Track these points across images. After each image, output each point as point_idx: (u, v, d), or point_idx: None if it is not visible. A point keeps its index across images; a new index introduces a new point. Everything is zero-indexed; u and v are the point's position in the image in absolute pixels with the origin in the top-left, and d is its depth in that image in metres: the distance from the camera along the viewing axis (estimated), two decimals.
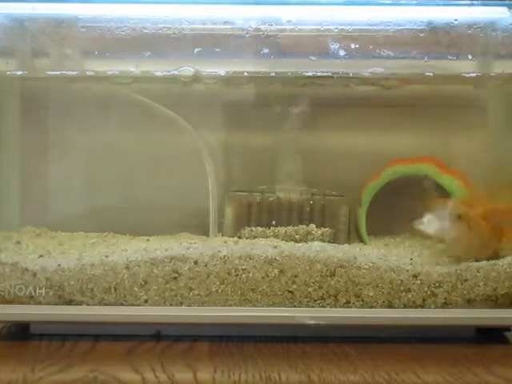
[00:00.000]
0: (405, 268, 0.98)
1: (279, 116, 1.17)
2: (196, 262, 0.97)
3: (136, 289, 0.97)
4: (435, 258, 1.01)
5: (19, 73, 1.17)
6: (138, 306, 0.97)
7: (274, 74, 1.13)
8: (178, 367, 0.87)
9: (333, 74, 1.12)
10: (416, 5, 1.10)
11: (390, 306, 0.97)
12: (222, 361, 0.89)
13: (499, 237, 1.04)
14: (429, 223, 1.00)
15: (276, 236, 1.11)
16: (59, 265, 0.98)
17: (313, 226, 1.12)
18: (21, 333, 1.00)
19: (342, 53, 1.12)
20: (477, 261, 0.99)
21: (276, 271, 0.97)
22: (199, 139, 1.16)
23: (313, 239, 1.10)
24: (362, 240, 1.16)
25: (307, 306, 0.97)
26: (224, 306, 0.97)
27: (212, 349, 0.94)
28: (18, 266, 0.98)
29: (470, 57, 1.15)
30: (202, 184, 1.15)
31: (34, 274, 0.97)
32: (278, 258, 0.97)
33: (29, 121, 1.20)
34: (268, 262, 0.97)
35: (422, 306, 0.97)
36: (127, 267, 0.97)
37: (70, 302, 0.97)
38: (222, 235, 1.14)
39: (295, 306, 0.97)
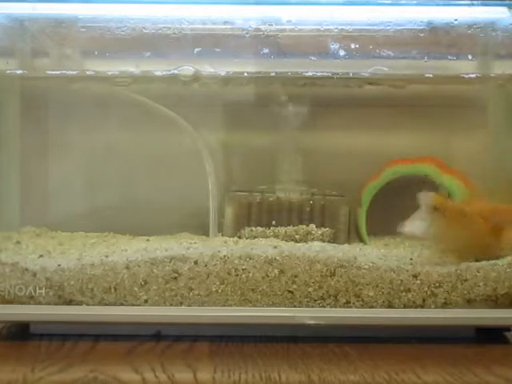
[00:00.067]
0: (405, 268, 0.98)
1: (279, 116, 1.17)
2: (196, 262, 0.97)
3: (136, 289, 0.97)
4: (435, 258, 1.01)
5: (19, 72, 1.17)
6: (138, 305, 0.97)
7: (273, 74, 1.13)
8: (177, 367, 0.87)
9: (333, 74, 1.12)
10: (416, 5, 1.10)
11: (390, 305, 0.97)
12: (222, 361, 0.89)
13: (499, 236, 1.04)
14: (411, 225, 1.00)
15: (276, 236, 1.11)
16: (59, 265, 0.98)
17: (313, 225, 1.12)
18: (21, 333, 1.00)
19: (341, 53, 1.12)
20: (477, 260, 0.99)
21: (276, 271, 0.97)
22: (199, 139, 1.16)
23: (313, 239, 1.10)
24: (361, 240, 1.16)
25: (307, 306, 0.97)
26: (224, 306, 0.97)
27: (212, 349, 0.94)
28: (18, 266, 0.98)
29: (469, 57, 1.15)
30: (202, 184, 1.15)
31: (34, 274, 0.97)
32: (277, 258, 0.97)
33: (29, 120, 1.20)
34: (268, 262, 0.97)
35: (422, 306, 0.97)
36: (127, 267, 0.97)
37: (69, 302, 0.97)
38: (222, 235, 1.14)
39: (295, 306, 0.97)
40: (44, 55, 1.16)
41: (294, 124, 1.17)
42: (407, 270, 0.98)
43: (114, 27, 1.11)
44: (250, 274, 0.97)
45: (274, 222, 1.13)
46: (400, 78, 1.14)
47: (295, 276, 0.97)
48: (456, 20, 1.11)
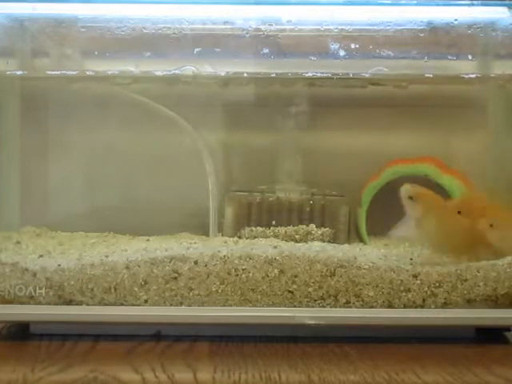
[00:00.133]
0: (405, 268, 0.98)
1: (279, 116, 1.17)
2: (196, 262, 0.97)
3: (136, 289, 0.97)
4: (435, 258, 1.01)
5: (19, 73, 1.17)
6: (138, 306, 0.97)
7: (273, 74, 1.13)
8: (178, 367, 0.87)
9: (332, 74, 1.12)
10: (416, 5, 1.10)
11: (390, 306, 0.97)
12: (222, 361, 0.89)
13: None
14: (400, 227, 1.01)
15: (276, 236, 1.11)
16: (59, 265, 0.98)
17: (313, 225, 1.12)
18: (21, 333, 1.00)
19: (341, 53, 1.12)
20: (476, 258, 0.99)
21: (276, 271, 0.97)
22: (199, 139, 1.16)
23: (313, 239, 1.11)
24: (361, 240, 1.16)
25: (307, 306, 0.97)
26: (224, 306, 0.97)
27: (212, 349, 0.93)
28: (18, 266, 0.98)
29: (469, 57, 1.15)
30: (202, 184, 1.15)
31: (34, 274, 0.97)
32: (278, 258, 0.97)
33: (29, 121, 1.20)
34: (268, 262, 0.97)
35: (422, 306, 0.97)
36: (127, 267, 0.97)
37: (70, 302, 0.97)
38: (222, 235, 1.14)
39: (295, 306, 0.97)
40: (44, 55, 1.16)
41: (294, 124, 1.17)
42: (407, 270, 0.98)
43: (113, 27, 1.11)
44: (250, 274, 0.97)
45: (274, 222, 1.13)
46: (400, 78, 1.14)
47: (295, 276, 0.97)
48: (456, 20, 1.11)
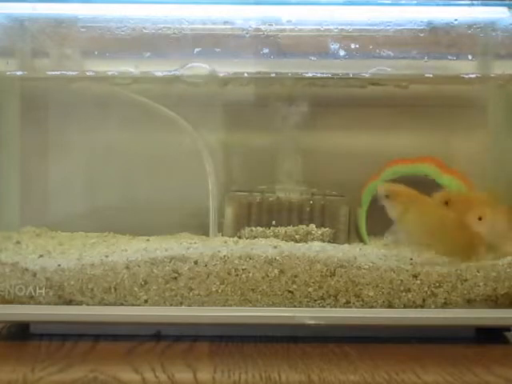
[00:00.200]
0: (405, 268, 0.98)
1: (279, 116, 1.17)
2: (196, 262, 0.97)
3: (136, 289, 0.97)
4: (435, 258, 1.01)
5: (19, 73, 1.17)
6: (138, 306, 0.97)
7: (273, 74, 1.13)
8: (178, 367, 0.87)
9: (332, 74, 1.12)
10: (416, 5, 1.10)
11: (390, 306, 0.97)
12: (222, 361, 0.89)
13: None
14: (392, 231, 1.01)
15: (276, 236, 1.11)
16: (59, 265, 0.98)
17: (313, 225, 1.12)
18: (21, 333, 1.00)
19: (341, 53, 1.12)
20: (469, 253, 0.99)
21: (276, 271, 0.97)
22: (199, 139, 1.16)
23: (313, 239, 1.11)
24: (361, 240, 1.16)
25: (307, 306, 0.97)
26: (224, 306, 0.97)
27: (212, 349, 0.93)
28: (18, 266, 0.98)
29: (469, 57, 1.15)
30: (202, 184, 1.15)
31: (34, 274, 0.97)
32: (278, 258, 0.97)
33: (29, 121, 1.20)
34: (268, 262, 0.97)
35: (422, 306, 0.97)
36: (127, 267, 0.97)
37: (70, 302, 0.97)
38: (222, 235, 1.14)
39: (295, 306, 0.97)
40: (44, 55, 1.16)
41: (294, 124, 1.17)
42: (407, 270, 0.98)
43: (113, 27, 1.11)
44: (250, 274, 0.97)
45: (274, 222, 1.13)
46: (400, 78, 1.14)
47: (295, 276, 0.97)
48: (456, 20, 1.11)
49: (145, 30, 1.11)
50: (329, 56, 1.13)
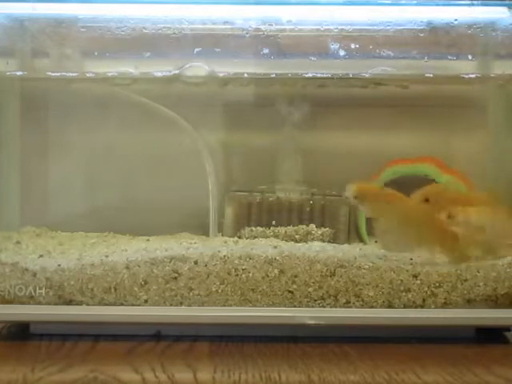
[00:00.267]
0: (405, 268, 0.98)
1: (279, 116, 1.17)
2: (196, 262, 0.97)
3: (136, 289, 0.97)
4: (435, 258, 1.01)
5: (19, 73, 1.17)
6: (138, 306, 0.97)
7: (273, 74, 1.13)
8: (178, 367, 0.87)
9: (332, 74, 1.12)
10: (416, 5, 1.10)
11: (390, 306, 0.97)
12: (222, 361, 0.89)
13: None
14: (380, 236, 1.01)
15: (276, 236, 1.11)
16: (59, 265, 0.98)
17: (313, 225, 1.12)
18: (21, 333, 1.00)
19: (341, 53, 1.12)
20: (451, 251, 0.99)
21: (276, 271, 0.97)
22: (199, 139, 1.16)
23: (313, 239, 1.11)
24: (361, 240, 1.16)
25: (307, 306, 0.97)
26: (224, 306, 0.97)
27: (212, 349, 0.93)
28: (18, 266, 0.98)
29: (469, 57, 1.15)
30: (202, 184, 1.15)
31: (34, 274, 0.97)
32: (278, 258, 0.97)
33: (29, 121, 1.20)
34: (268, 262, 0.97)
35: (422, 306, 0.97)
36: (127, 267, 0.97)
37: (70, 302, 0.97)
38: (222, 235, 1.14)
39: (295, 306, 0.97)
40: (44, 55, 1.16)
41: (294, 124, 1.17)
42: (407, 270, 0.98)
43: (113, 27, 1.11)
44: (250, 274, 0.97)
45: (274, 222, 1.13)
46: (400, 78, 1.14)
47: (295, 276, 0.97)
48: (456, 20, 1.11)
49: (145, 30, 1.11)
50: (329, 56, 1.13)
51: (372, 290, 0.97)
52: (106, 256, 1.00)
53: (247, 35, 1.12)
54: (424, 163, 1.15)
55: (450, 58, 1.14)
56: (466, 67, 1.15)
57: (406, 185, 1.12)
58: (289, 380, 0.84)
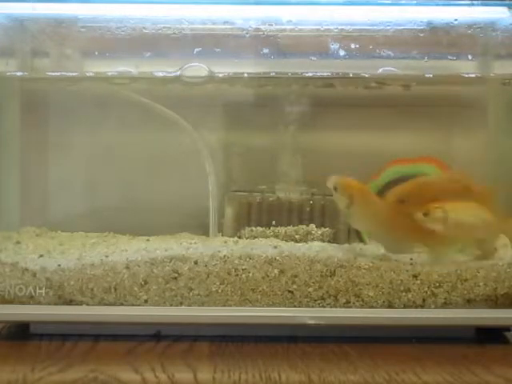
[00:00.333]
0: (405, 268, 0.98)
1: (279, 116, 1.17)
2: (196, 262, 0.97)
3: (136, 289, 0.97)
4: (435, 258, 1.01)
5: (19, 73, 1.17)
6: (138, 306, 0.97)
7: (273, 74, 1.13)
8: (178, 367, 0.87)
9: (332, 74, 1.12)
10: (416, 5, 1.10)
11: (390, 306, 0.97)
12: (222, 361, 0.89)
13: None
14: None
15: (276, 236, 1.11)
16: (59, 265, 0.98)
17: (313, 226, 1.12)
18: (21, 333, 1.00)
19: (341, 53, 1.12)
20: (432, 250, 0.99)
21: (276, 271, 0.97)
22: (199, 139, 1.16)
23: (313, 239, 1.10)
24: (361, 240, 1.16)
25: (307, 306, 0.97)
26: (224, 306, 0.97)
27: (212, 349, 0.93)
28: (18, 266, 0.98)
29: (469, 57, 1.15)
30: (202, 184, 1.15)
31: (34, 274, 0.97)
32: (278, 258, 0.97)
33: (29, 121, 1.20)
34: (268, 262, 0.97)
35: (422, 306, 0.97)
36: (127, 267, 0.97)
37: (70, 302, 0.97)
38: (222, 235, 1.14)
39: (295, 306, 0.97)
40: (44, 55, 1.16)
41: (294, 124, 1.17)
42: (407, 270, 0.98)
43: (113, 27, 1.11)
44: (250, 274, 0.97)
45: (274, 222, 1.13)
46: (400, 78, 1.14)
47: (295, 276, 0.97)
48: (456, 20, 1.11)
49: (145, 30, 1.11)
50: (329, 56, 1.13)
51: (372, 290, 0.97)
52: (106, 256, 1.00)
53: (247, 35, 1.12)
54: (424, 163, 1.15)
55: (450, 58, 1.14)
56: (466, 67, 1.15)
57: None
58: (289, 380, 0.84)
